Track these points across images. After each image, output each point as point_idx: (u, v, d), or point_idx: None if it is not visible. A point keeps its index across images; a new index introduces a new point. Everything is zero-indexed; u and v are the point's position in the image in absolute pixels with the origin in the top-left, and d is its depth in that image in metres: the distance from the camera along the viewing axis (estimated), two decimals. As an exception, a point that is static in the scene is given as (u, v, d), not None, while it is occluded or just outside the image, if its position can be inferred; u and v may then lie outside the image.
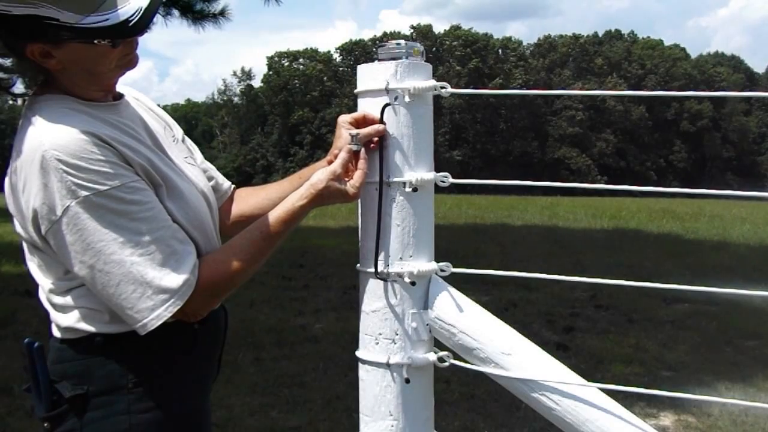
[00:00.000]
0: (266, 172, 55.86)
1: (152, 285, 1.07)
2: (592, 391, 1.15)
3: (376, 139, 1.22)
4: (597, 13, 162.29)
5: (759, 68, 68.29)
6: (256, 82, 61.83)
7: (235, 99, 62.72)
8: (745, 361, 4.63)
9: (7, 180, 1.13)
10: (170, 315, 1.09)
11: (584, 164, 54.61)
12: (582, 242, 11.58)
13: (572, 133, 55.13)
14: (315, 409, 3.62)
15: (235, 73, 63.76)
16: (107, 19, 1.04)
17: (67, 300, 1.13)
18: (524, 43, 61.32)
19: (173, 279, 1.08)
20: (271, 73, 59.41)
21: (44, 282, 1.15)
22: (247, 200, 1.46)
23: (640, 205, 22.46)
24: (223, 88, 63.80)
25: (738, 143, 59.90)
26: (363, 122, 1.26)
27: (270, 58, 60.06)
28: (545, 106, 56.50)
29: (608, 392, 1.17)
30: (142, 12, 1.06)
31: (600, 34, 61.50)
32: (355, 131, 1.22)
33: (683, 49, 62.06)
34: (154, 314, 1.08)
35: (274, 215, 1.21)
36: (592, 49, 59.19)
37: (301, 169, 1.45)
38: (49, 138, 1.04)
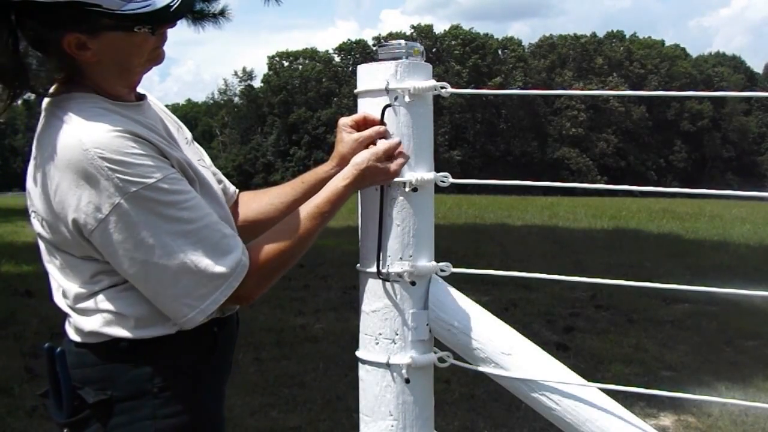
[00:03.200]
0: (266, 171, 55.91)
1: (207, 272, 1.07)
2: (592, 391, 1.15)
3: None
4: (600, 13, 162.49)
5: (760, 68, 68.28)
6: (257, 82, 61.95)
7: (236, 99, 62.75)
8: (745, 361, 4.62)
9: (31, 179, 1.11)
10: (225, 299, 1.10)
11: (584, 164, 54.62)
12: (582, 242, 11.58)
13: (573, 133, 55.15)
14: (315, 409, 3.62)
15: (236, 73, 63.79)
16: (149, 5, 1.04)
17: (92, 304, 1.11)
18: (525, 44, 61.39)
19: (226, 262, 1.09)
20: (271, 73, 59.45)
21: (67, 285, 1.13)
22: (249, 205, 1.45)
23: (640, 205, 22.44)
24: (224, 88, 63.89)
25: (738, 143, 59.90)
26: (363, 124, 1.26)
27: (270, 58, 60.14)
28: (545, 106, 56.51)
29: (608, 392, 1.17)
30: None
31: (602, 34, 61.51)
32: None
33: (683, 49, 62.08)
34: (210, 299, 1.08)
35: (321, 197, 1.21)
36: (593, 49, 59.19)
37: (304, 173, 1.44)
38: (88, 137, 1.03)
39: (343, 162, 1.27)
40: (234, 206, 1.45)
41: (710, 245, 11.51)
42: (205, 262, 1.07)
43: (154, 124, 1.17)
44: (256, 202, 1.44)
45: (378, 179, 1.20)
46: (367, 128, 1.24)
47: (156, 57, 1.15)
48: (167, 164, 1.09)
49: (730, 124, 59.58)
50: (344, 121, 1.28)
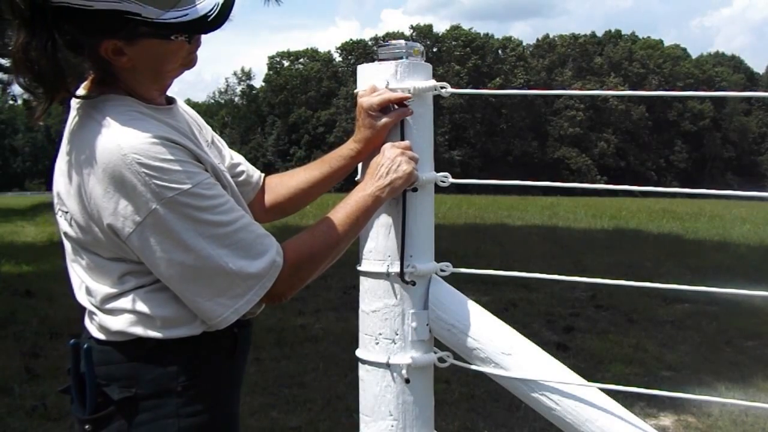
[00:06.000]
0: (266, 171, 55.59)
1: (242, 273, 1.09)
2: (592, 391, 1.15)
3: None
4: (602, 13, 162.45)
5: (761, 68, 68.29)
6: (257, 82, 61.98)
7: (236, 99, 62.79)
8: (745, 361, 4.62)
9: (63, 179, 1.12)
10: (259, 298, 1.12)
11: (584, 164, 54.63)
12: (582, 242, 11.58)
13: (572, 133, 55.16)
14: (315, 409, 3.62)
15: (235, 74, 63.83)
16: (186, 14, 1.06)
17: (120, 304, 1.12)
18: (524, 43, 61.39)
19: (260, 263, 1.11)
20: (271, 72, 59.48)
21: (94, 285, 1.14)
22: (277, 190, 1.46)
23: (640, 205, 22.44)
24: (224, 88, 63.94)
25: (738, 143, 59.91)
26: (387, 107, 1.25)
27: (271, 58, 60.18)
28: (545, 106, 56.50)
29: (608, 392, 1.17)
30: (219, 7, 1.08)
31: (604, 34, 61.46)
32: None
33: (684, 50, 62.10)
34: (244, 299, 1.11)
35: (355, 204, 1.21)
36: (592, 49, 59.21)
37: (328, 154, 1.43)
38: (127, 142, 1.04)
39: (369, 146, 1.28)
40: (261, 193, 1.46)
41: (710, 245, 11.51)
42: (240, 263, 1.09)
43: (185, 128, 1.19)
44: (283, 187, 1.46)
45: (404, 187, 1.23)
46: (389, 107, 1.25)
47: (189, 62, 1.17)
48: (201, 169, 1.11)
49: (731, 124, 59.58)
50: (370, 104, 1.24)
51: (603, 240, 12.02)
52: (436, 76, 1.24)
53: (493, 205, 21.60)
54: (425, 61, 1.26)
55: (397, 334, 1.22)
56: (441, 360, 1.25)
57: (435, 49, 56.66)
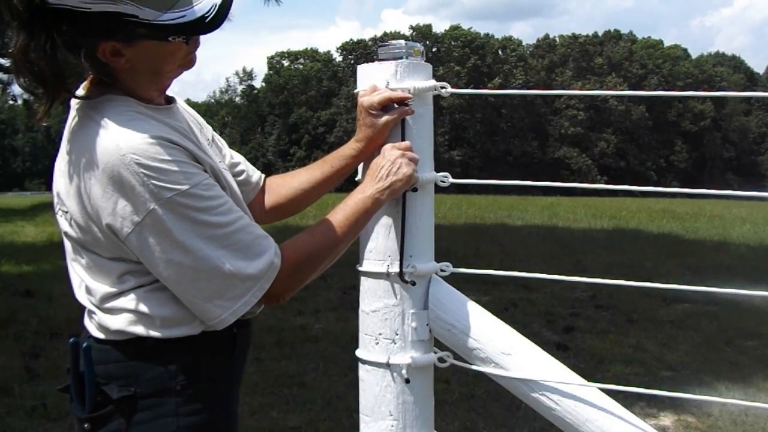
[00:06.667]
0: (267, 171, 55.59)
1: (239, 274, 1.09)
2: (592, 391, 1.16)
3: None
4: (603, 12, 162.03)
5: (761, 68, 68.31)
6: (257, 82, 62.00)
7: (236, 99, 62.81)
8: (745, 361, 4.62)
9: (62, 179, 1.12)
10: (256, 300, 1.12)
11: (584, 164, 54.62)
12: (582, 242, 11.57)
13: (572, 133, 55.16)
14: (315, 409, 3.62)
15: (236, 73, 63.87)
16: (184, 16, 1.06)
17: (119, 303, 1.13)
18: (524, 43, 61.40)
19: (258, 264, 1.11)
20: (271, 72, 59.48)
21: (94, 284, 1.14)
22: (278, 191, 1.46)
23: (640, 205, 22.42)
24: (224, 88, 63.97)
25: (738, 143, 59.91)
26: (388, 104, 1.25)
27: (270, 58, 60.19)
28: (545, 106, 56.50)
29: (608, 392, 1.17)
30: (216, 8, 1.08)
31: (605, 34, 61.46)
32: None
33: (684, 50, 62.10)
34: (242, 301, 1.11)
35: (355, 205, 1.21)
36: (593, 49, 59.21)
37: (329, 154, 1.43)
38: (126, 142, 1.05)
39: (371, 145, 1.28)
40: (261, 193, 1.46)
41: (710, 245, 11.51)
42: (237, 265, 1.09)
43: (184, 128, 1.19)
44: (285, 188, 1.46)
45: (404, 189, 1.23)
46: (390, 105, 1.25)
47: (188, 62, 1.17)
48: (200, 170, 1.11)
49: (731, 124, 59.58)
50: (371, 102, 1.24)
51: (603, 240, 12.01)
52: (436, 76, 1.23)
53: (493, 205, 21.58)
54: (425, 61, 1.26)
55: (397, 334, 1.22)
56: (441, 360, 1.25)
57: (435, 49, 56.65)
